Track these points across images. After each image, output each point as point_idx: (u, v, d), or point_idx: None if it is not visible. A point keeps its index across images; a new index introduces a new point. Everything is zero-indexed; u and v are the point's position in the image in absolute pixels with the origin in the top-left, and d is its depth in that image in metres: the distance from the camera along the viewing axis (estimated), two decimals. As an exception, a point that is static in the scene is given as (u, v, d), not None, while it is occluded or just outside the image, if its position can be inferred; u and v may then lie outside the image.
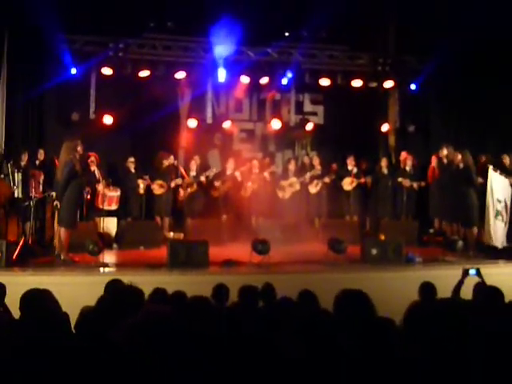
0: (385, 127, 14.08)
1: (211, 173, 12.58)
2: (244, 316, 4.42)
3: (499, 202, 10.51)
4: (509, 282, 6.22)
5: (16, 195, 10.61)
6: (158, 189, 12.27)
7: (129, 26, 12.38)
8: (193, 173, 12.58)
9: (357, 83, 13.66)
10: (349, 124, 14.03)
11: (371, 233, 12.21)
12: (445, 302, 4.46)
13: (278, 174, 13.31)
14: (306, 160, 13.68)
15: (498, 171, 10.76)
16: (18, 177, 10.80)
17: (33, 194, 10.61)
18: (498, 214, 10.51)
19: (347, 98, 13.82)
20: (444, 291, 5.89)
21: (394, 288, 8.04)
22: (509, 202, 10.58)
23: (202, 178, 12.48)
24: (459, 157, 10.82)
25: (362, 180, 12.73)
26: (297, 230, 12.02)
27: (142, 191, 12.27)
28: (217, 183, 12.55)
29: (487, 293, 5.28)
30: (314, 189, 12.83)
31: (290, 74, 13.35)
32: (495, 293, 5.08)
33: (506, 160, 11.71)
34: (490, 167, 10.78)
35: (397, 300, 6.26)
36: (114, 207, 11.84)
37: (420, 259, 9.70)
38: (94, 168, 11.82)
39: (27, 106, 12.45)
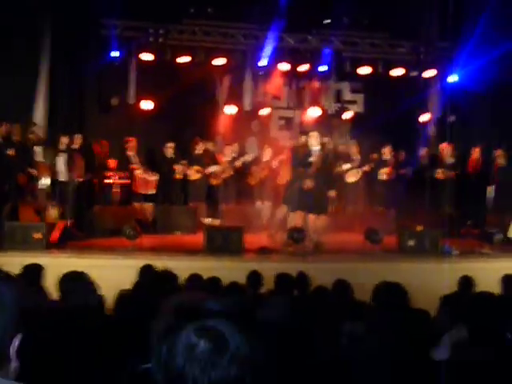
0: (425, 117, 13.91)
1: (248, 158, 12.54)
2: (279, 304, 4.42)
3: None
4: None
5: (56, 179, 10.77)
6: (194, 174, 12.29)
7: (169, 12, 12.42)
8: (227, 158, 12.53)
9: (398, 72, 13.52)
10: (389, 113, 13.89)
11: (408, 223, 12.07)
12: (484, 295, 4.39)
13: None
14: (344, 149, 13.57)
15: None
16: (59, 160, 10.96)
17: (73, 177, 10.76)
18: None
19: (387, 87, 13.68)
20: (480, 284, 5.84)
21: (430, 279, 7.96)
22: None
23: (238, 164, 12.45)
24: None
25: (402, 171, 12.57)
26: (333, 219, 11.98)
27: (178, 176, 12.30)
28: (253, 170, 12.49)
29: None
30: (353, 178, 12.71)
31: (324, 68, 13.32)
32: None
33: None
34: None
35: (432, 291, 6.23)
36: (152, 191, 11.98)
37: (456, 251, 9.57)
38: (131, 153, 11.94)
39: (68, 91, 12.58)
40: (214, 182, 12.44)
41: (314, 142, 10.03)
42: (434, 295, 5.78)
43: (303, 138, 10.76)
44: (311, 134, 10.23)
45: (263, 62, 13.06)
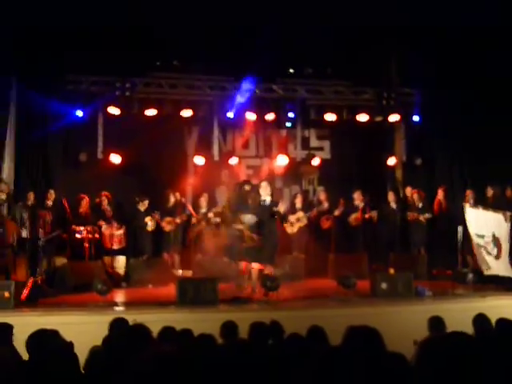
0: (391, 161, 14.10)
1: (218, 209, 12.55)
2: (254, 353, 4.37)
3: (480, 236, 10.29)
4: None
5: (24, 235, 10.63)
6: (166, 226, 12.27)
7: (135, 65, 12.50)
8: (203, 210, 12.56)
9: (362, 118, 13.73)
10: (355, 158, 14.08)
11: (380, 267, 12.11)
12: (457, 335, 4.38)
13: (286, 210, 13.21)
14: (313, 195, 13.71)
15: (481, 207, 10.59)
16: (25, 217, 10.85)
17: (41, 234, 10.64)
18: (479, 247, 10.21)
19: (353, 133, 13.89)
20: (453, 324, 5.82)
21: (405, 322, 7.97)
22: (500, 235, 10.33)
23: (210, 215, 12.44)
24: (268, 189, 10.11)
25: (367, 215, 12.67)
26: (306, 265, 11.99)
27: (150, 229, 12.26)
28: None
29: (502, 326, 5.23)
30: (325, 224, 12.81)
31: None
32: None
33: (490, 193, 11.64)
34: (466, 204, 10.74)
35: (408, 334, 6.22)
36: (121, 245, 11.92)
37: (430, 293, 9.62)
38: (106, 207, 11.92)
39: (35, 147, 12.46)
40: (190, 233, 12.42)
41: (263, 192, 10.01)
42: (409, 338, 5.77)
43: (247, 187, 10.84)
44: (261, 184, 10.26)
45: (230, 114, 13.22)
